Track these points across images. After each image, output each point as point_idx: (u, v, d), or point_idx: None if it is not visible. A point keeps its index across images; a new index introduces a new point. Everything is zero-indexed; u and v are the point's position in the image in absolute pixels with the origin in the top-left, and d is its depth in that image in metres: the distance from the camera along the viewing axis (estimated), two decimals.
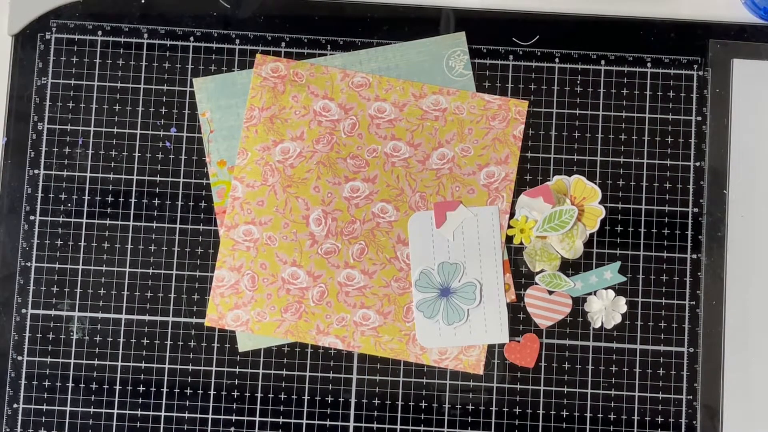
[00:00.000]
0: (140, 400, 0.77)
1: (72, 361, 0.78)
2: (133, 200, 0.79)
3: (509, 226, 0.78)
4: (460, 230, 0.78)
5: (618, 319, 0.78)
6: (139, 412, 0.77)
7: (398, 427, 0.77)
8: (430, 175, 0.78)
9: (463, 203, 0.78)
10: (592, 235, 0.78)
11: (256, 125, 0.79)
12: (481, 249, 0.77)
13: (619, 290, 0.78)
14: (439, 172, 0.79)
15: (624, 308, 0.78)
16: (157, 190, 0.79)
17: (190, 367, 0.78)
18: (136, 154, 0.79)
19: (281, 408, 0.77)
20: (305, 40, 0.80)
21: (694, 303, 0.78)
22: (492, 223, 0.78)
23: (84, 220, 0.79)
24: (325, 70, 0.79)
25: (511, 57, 0.80)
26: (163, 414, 0.77)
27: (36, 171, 0.79)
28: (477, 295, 0.77)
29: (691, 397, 0.77)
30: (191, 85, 0.80)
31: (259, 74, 0.80)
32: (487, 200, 0.78)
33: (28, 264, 0.78)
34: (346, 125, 0.79)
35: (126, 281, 0.78)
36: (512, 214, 0.78)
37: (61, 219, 0.79)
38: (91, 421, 0.77)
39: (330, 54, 0.80)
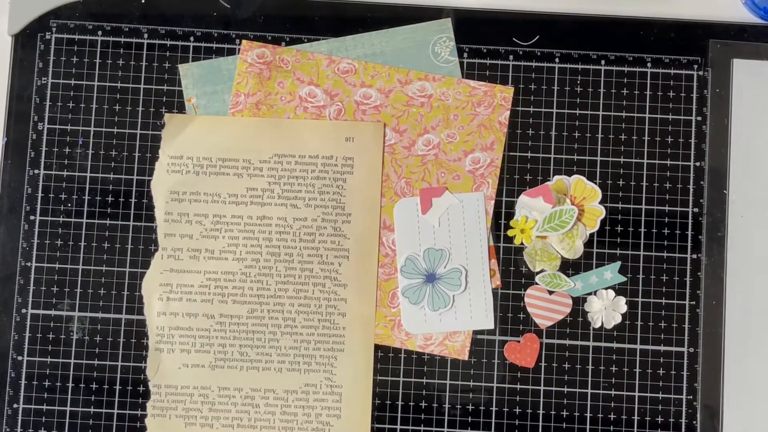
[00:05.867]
0: (140, 400, 0.77)
1: (72, 361, 0.78)
2: (133, 200, 0.79)
3: (509, 226, 0.78)
4: (445, 216, 0.78)
5: (618, 319, 0.78)
6: (138, 412, 0.77)
7: (398, 427, 0.77)
8: (416, 161, 0.79)
9: (448, 189, 0.78)
10: (592, 235, 0.78)
11: (241, 111, 0.79)
12: (466, 235, 0.78)
13: (619, 290, 0.78)
14: (424, 158, 0.79)
15: (624, 308, 0.78)
16: None
17: None
18: (136, 154, 0.79)
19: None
20: (305, 40, 0.80)
21: (694, 303, 0.78)
22: (477, 209, 0.78)
23: (84, 220, 0.79)
24: (311, 56, 0.79)
25: (511, 57, 0.80)
26: None
27: (36, 171, 0.79)
28: (462, 281, 0.77)
29: (691, 397, 0.77)
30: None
31: (244, 60, 0.80)
32: (473, 186, 0.78)
33: (28, 264, 0.78)
34: (331, 111, 0.79)
35: (126, 281, 0.78)
36: (512, 214, 0.78)
37: (61, 219, 0.79)
38: (91, 421, 0.77)
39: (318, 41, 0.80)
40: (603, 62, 0.80)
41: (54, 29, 0.80)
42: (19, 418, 0.77)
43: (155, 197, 0.78)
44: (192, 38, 0.80)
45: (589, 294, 0.78)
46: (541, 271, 0.78)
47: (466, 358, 0.77)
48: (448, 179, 0.78)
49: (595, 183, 0.79)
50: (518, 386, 0.77)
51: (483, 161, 0.79)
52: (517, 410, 0.77)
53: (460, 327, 0.77)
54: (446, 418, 0.77)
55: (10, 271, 0.78)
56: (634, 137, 0.79)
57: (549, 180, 0.79)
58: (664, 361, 0.77)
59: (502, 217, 0.79)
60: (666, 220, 0.79)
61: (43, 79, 0.80)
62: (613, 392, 0.77)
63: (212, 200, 0.78)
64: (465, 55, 0.80)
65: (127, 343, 0.78)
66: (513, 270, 0.78)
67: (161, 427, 0.76)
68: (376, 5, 0.81)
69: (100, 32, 0.81)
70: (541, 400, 0.77)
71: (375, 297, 0.77)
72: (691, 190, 0.79)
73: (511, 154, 0.79)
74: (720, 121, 0.79)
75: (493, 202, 0.78)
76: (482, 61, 0.80)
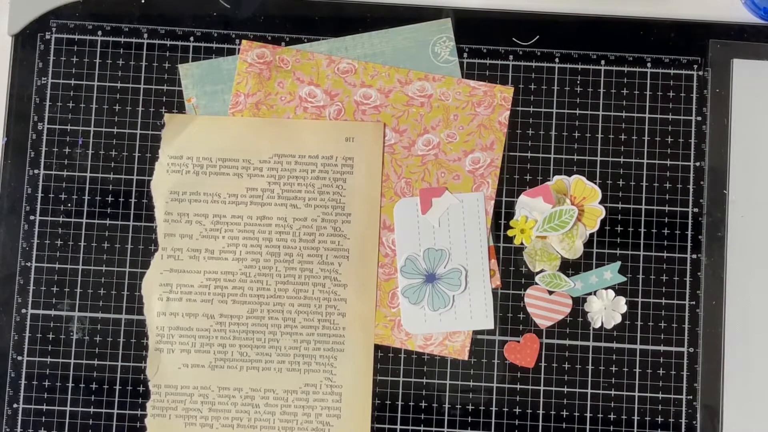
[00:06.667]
0: (140, 400, 0.77)
1: (72, 361, 0.78)
2: (133, 200, 0.79)
3: (509, 227, 0.78)
4: (445, 216, 0.78)
5: (618, 319, 0.78)
6: (138, 412, 0.77)
7: (398, 427, 0.77)
8: (416, 161, 0.79)
9: (448, 189, 0.78)
10: (592, 235, 0.78)
11: (241, 111, 0.79)
12: (466, 235, 0.78)
13: (619, 290, 0.78)
14: (424, 158, 0.79)
15: (624, 308, 0.78)
16: None
17: None
18: (136, 154, 0.79)
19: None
20: (305, 40, 0.80)
21: (694, 303, 0.78)
22: (477, 209, 0.78)
23: (84, 220, 0.79)
24: (311, 56, 0.79)
25: (511, 57, 0.80)
26: None
27: (36, 171, 0.79)
28: (462, 282, 0.77)
29: (691, 397, 0.77)
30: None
31: (244, 60, 0.80)
32: (473, 186, 0.78)
33: (28, 264, 0.78)
34: (331, 111, 0.79)
35: (126, 281, 0.78)
36: (512, 214, 0.78)
37: (61, 219, 0.79)
38: (91, 421, 0.77)
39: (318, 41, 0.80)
40: (603, 62, 0.80)
41: (54, 29, 0.80)
42: (19, 418, 0.77)
43: (155, 197, 0.78)
44: (192, 38, 0.80)
45: (589, 294, 0.78)
46: (541, 271, 0.78)
47: (466, 358, 0.77)
48: (448, 179, 0.78)
49: (595, 183, 0.79)
50: (518, 386, 0.77)
51: (483, 161, 0.79)
52: (517, 410, 0.77)
53: (460, 327, 0.77)
54: (446, 418, 0.77)
55: (10, 271, 0.78)
56: (634, 137, 0.79)
57: (549, 180, 0.79)
58: (664, 361, 0.77)
59: (502, 217, 0.79)
60: (666, 220, 0.79)
61: (43, 79, 0.80)
62: (613, 392, 0.77)
63: (212, 200, 0.78)
64: (465, 55, 0.80)
65: (127, 343, 0.78)
66: (513, 270, 0.78)
67: (161, 427, 0.76)
68: (376, 5, 0.81)
69: (100, 32, 0.81)
70: (541, 400, 0.77)
71: (375, 297, 0.77)
72: (691, 190, 0.79)
73: (511, 154, 0.79)
74: (720, 121, 0.79)
75: (493, 202, 0.78)
76: (482, 61, 0.80)
